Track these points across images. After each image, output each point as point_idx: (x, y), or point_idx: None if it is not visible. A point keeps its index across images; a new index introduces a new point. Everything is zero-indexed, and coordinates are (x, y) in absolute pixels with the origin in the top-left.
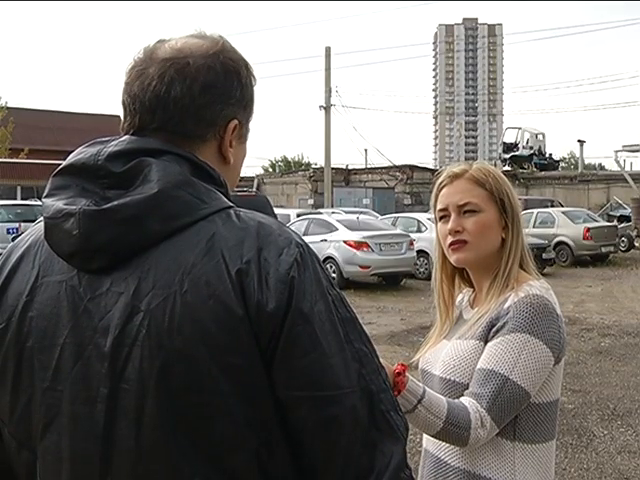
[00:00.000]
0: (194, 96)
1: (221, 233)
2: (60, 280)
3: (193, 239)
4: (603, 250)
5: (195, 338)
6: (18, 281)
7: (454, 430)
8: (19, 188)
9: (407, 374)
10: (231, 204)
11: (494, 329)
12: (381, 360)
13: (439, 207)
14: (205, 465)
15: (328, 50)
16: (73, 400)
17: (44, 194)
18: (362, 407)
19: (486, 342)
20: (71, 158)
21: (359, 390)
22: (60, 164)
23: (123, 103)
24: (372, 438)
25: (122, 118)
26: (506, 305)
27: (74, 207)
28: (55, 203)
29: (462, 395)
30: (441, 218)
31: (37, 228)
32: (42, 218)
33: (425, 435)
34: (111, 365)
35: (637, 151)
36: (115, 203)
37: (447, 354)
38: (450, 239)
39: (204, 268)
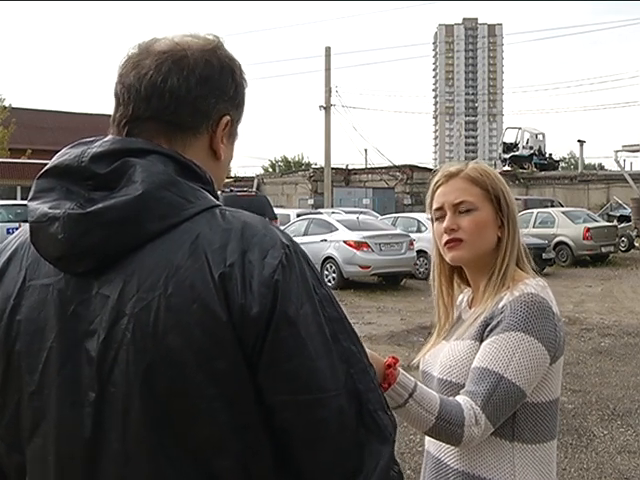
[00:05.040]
0: (190, 87)
1: (205, 235)
2: (47, 283)
3: (177, 241)
4: (603, 250)
5: (179, 342)
6: (5, 284)
7: (447, 427)
8: (19, 188)
9: (398, 367)
10: (217, 202)
11: (488, 328)
12: (372, 353)
13: (435, 206)
14: (191, 468)
15: (328, 50)
16: (59, 403)
17: (29, 197)
18: (349, 408)
19: (481, 341)
20: (55, 160)
21: (346, 391)
22: None
23: (116, 94)
24: (360, 438)
25: (114, 109)
26: (501, 304)
27: (58, 211)
28: (40, 206)
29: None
30: (437, 218)
31: (23, 231)
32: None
33: (427, 437)
34: (98, 369)
35: (637, 151)
36: (100, 206)
37: (445, 355)
38: (446, 237)
39: (188, 271)
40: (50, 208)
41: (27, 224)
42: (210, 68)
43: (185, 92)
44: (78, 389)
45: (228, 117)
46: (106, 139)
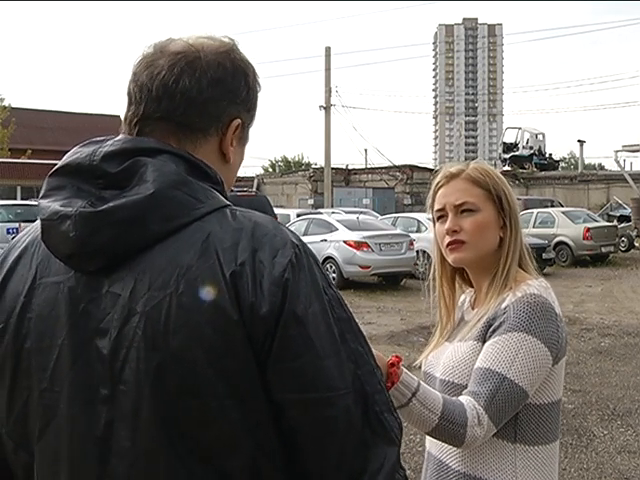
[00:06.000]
0: (202, 89)
1: (216, 234)
2: (57, 281)
3: (189, 240)
4: (603, 250)
5: (190, 340)
6: (16, 282)
7: (450, 427)
8: (19, 188)
9: (401, 367)
10: (227, 202)
11: (491, 329)
12: (376, 352)
13: (436, 207)
14: (201, 467)
15: (328, 50)
16: (71, 401)
17: (40, 195)
18: (356, 408)
19: (484, 342)
20: (66, 158)
21: (353, 391)
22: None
23: (129, 92)
24: (365, 439)
25: (126, 108)
26: (503, 305)
27: (70, 209)
28: (51, 204)
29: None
30: (439, 218)
31: (34, 228)
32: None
33: (428, 437)
34: (110, 367)
35: (637, 151)
36: (111, 205)
37: (447, 356)
38: (448, 239)
39: (199, 270)
40: (61, 206)
41: (33, 223)
42: (223, 71)
43: (196, 93)
44: (90, 387)
45: (239, 120)
46: (118, 138)
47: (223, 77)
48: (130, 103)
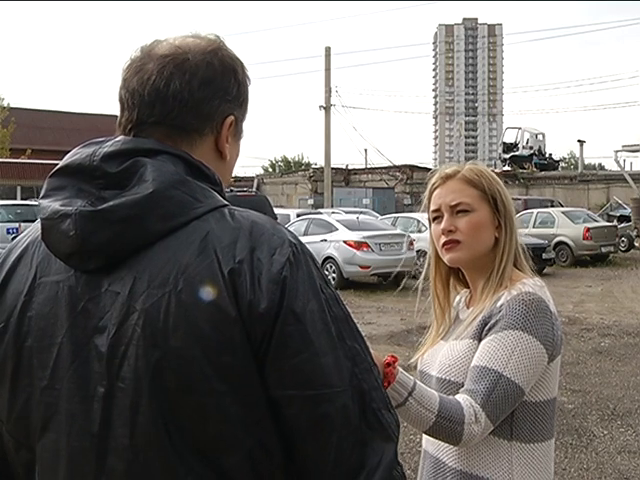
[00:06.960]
0: (193, 90)
1: (215, 232)
2: (58, 280)
3: (187, 239)
4: (603, 250)
5: (189, 338)
6: (16, 281)
7: (447, 425)
8: (19, 188)
9: (397, 366)
10: (225, 202)
11: (487, 327)
12: (372, 351)
13: (432, 208)
14: (199, 464)
15: (328, 50)
16: (70, 399)
17: (41, 195)
18: (353, 405)
19: (480, 340)
20: (67, 159)
21: (351, 388)
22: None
23: (120, 99)
24: (363, 436)
25: (119, 114)
26: (499, 303)
27: (70, 208)
28: (51, 204)
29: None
30: (435, 219)
31: (34, 228)
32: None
33: (424, 435)
34: (108, 364)
35: (637, 151)
36: (111, 204)
37: (443, 355)
38: (443, 239)
39: (198, 268)
40: (62, 205)
41: (33, 223)
42: (212, 70)
43: (188, 96)
44: (88, 384)
45: (232, 117)
46: (117, 139)
47: (213, 76)
48: (123, 109)
